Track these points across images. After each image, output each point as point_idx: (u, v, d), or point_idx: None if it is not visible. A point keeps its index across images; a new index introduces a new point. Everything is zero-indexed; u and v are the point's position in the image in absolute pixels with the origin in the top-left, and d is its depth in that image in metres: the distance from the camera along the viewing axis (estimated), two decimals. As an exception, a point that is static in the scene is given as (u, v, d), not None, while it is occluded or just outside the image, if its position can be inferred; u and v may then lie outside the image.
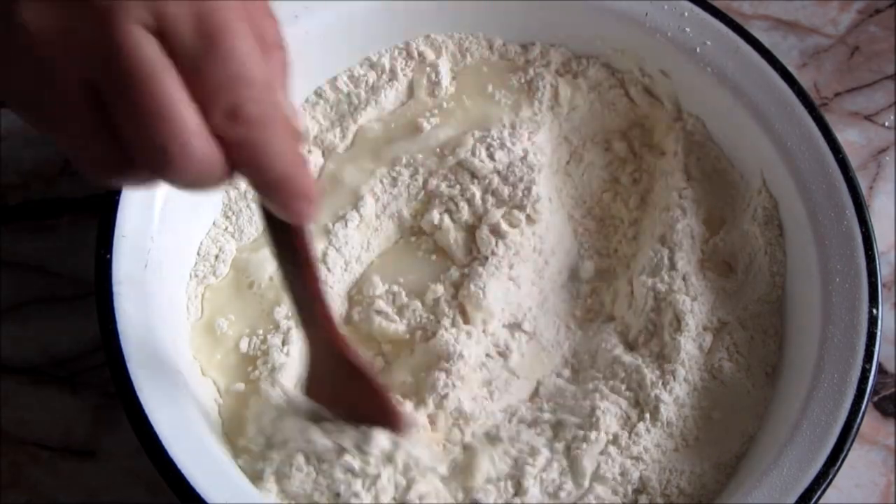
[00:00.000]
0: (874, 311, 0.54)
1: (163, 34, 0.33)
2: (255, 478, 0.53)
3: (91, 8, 0.32)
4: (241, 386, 0.57)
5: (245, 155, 0.36)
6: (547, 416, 0.57)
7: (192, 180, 0.35)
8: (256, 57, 0.35)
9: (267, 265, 0.59)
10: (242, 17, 0.35)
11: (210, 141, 0.34)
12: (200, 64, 0.34)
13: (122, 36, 0.33)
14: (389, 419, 0.51)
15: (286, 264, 0.46)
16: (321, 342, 0.50)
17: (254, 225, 0.61)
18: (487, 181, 0.62)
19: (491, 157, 0.62)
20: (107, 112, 0.33)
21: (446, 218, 0.61)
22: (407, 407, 0.54)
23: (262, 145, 0.36)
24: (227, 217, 0.62)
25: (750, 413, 0.56)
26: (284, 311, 0.58)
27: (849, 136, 0.72)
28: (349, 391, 0.51)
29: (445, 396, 0.56)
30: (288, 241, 0.44)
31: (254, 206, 0.61)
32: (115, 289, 0.52)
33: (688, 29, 0.62)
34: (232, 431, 0.55)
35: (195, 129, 0.34)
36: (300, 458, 0.52)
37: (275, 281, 0.59)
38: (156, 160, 0.34)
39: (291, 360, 0.57)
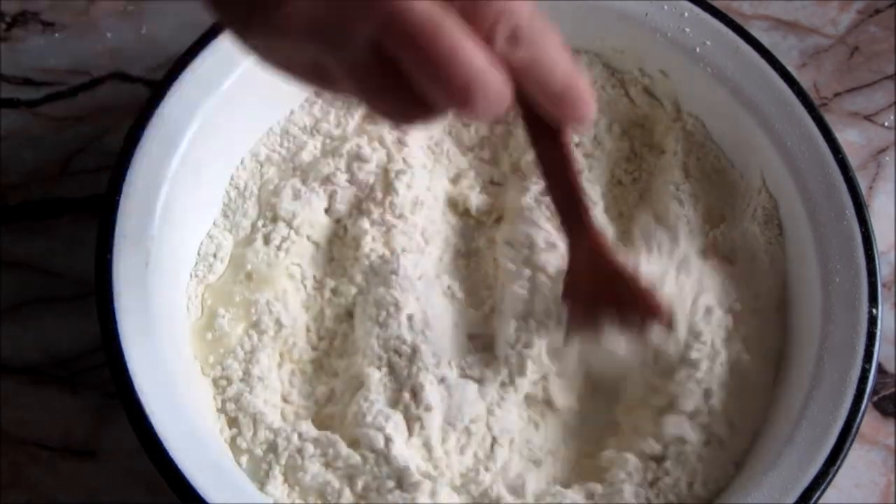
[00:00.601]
0: (874, 311, 0.54)
1: None
2: (261, 477, 0.53)
3: None
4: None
5: (532, 73, 0.39)
6: None
7: (488, 112, 0.37)
8: None
9: (261, 254, 0.60)
10: None
11: (499, 70, 0.37)
12: (473, 1, 0.36)
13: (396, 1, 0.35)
14: (650, 313, 0.52)
15: (551, 175, 0.48)
16: (584, 247, 0.51)
17: (248, 218, 0.62)
18: None
19: None
20: (397, 65, 0.36)
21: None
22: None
23: (544, 60, 0.39)
24: (227, 216, 0.62)
25: (756, 411, 0.56)
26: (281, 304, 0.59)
27: (849, 136, 0.71)
28: (609, 292, 0.52)
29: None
30: (555, 149, 0.46)
31: (250, 201, 0.62)
32: (115, 289, 0.52)
33: (688, 29, 0.62)
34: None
35: (486, 66, 0.36)
36: (310, 447, 0.53)
37: (271, 269, 0.60)
38: (459, 100, 0.36)
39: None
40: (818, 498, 0.50)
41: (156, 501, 0.59)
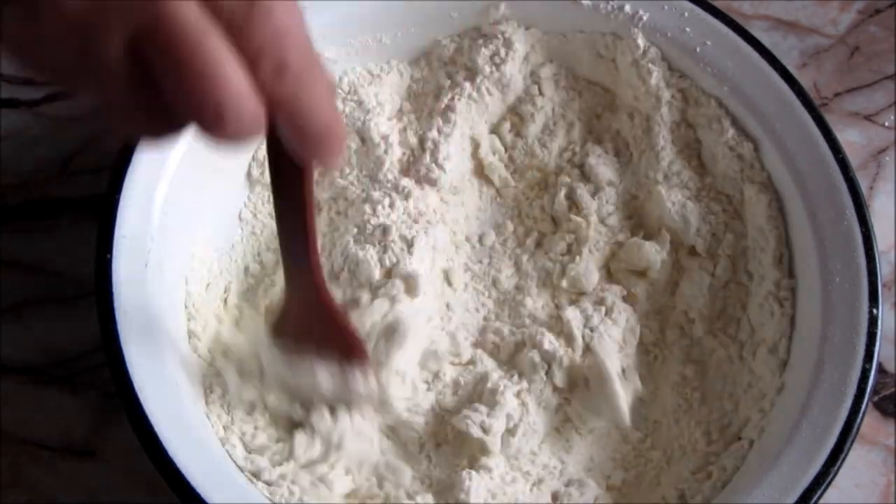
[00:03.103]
0: (874, 311, 0.54)
1: None
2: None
3: None
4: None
5: (290, 109, 0.36)
6: None
7: (236, 137, 0.35)
8: (294, 10, 0.35)
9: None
10: None
11: (256, 98, 0.34)
12: (243, 22, 0.34)
13: (163, 3, 0.33)
14: (354, 354, 0.54)
15: (286, 205, 0.47)
16: (302, 283, 0.51)
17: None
18: None
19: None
20: (148, 72, 0.34)
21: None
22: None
23: (306, 98, 0.36)
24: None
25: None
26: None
27: (849, 136, 0.72)
28: (318, 331, 0.53)
29: None
30: (296, 183, 0.44)
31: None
32: (115, 289, 0.52)
33: (688, 29, 0.62)
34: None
35: (244, 90, 0.34)
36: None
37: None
38: (208, 120, 0.34)
39: None
40: (818, 498, 0.50)
41: (156, 501, 0.59)
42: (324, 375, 0.54)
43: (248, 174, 0.63)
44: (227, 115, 0.34)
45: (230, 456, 0.53)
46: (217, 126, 0.34)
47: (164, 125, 0.36)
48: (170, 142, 0.37)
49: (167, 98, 0.34)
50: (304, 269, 0.50)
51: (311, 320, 0.53)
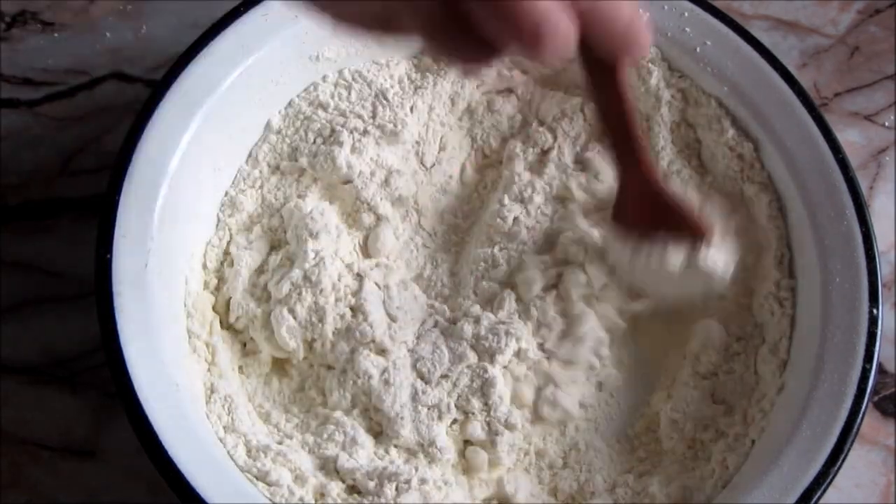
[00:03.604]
0: (874, 311, 0.54)
1: None
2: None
3: None
4: None
5: (596, 14, 0.40)
6: None
7: (555, 52, 0.38)
8: None
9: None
10: None
11: (566, 13, 0.38)
12: None
13: None
14: (697, 233, 0.54)
15: (608, 111, 0.51)
16: (635, 176, 0.53)
17: (248, 215, 0.62)
18: None
19: None
20: (465, 8, 0.38)
21: None
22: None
23: (606, 3, 0.41)
24: (227, 214, 0.62)
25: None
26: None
27: (849, 136, 0.71)
28: (658, 217, 0.54)
29: None
30: (612, 86, 0.49)
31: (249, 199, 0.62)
32: (115, 289, 0.53)
33: (688, 29, 0.62)
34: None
35: (554, 5, 0.38)
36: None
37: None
38: (528, 42, 0.38)
39: None
40: (818, 498, 0.50)
41: (156, 501, 0.59)
42: (675, 255, 0.54)
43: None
44: (544, 35, 0.37)
45: (230, 456, 0.53)
46: (537, 45, 0.38)
47: (485, 53, 0.40)
48: (494, 64, 0.42)
49: (485, 28, 0.38)
50: (633, 162, 0.52)
51: (648, 208, 0.54)
